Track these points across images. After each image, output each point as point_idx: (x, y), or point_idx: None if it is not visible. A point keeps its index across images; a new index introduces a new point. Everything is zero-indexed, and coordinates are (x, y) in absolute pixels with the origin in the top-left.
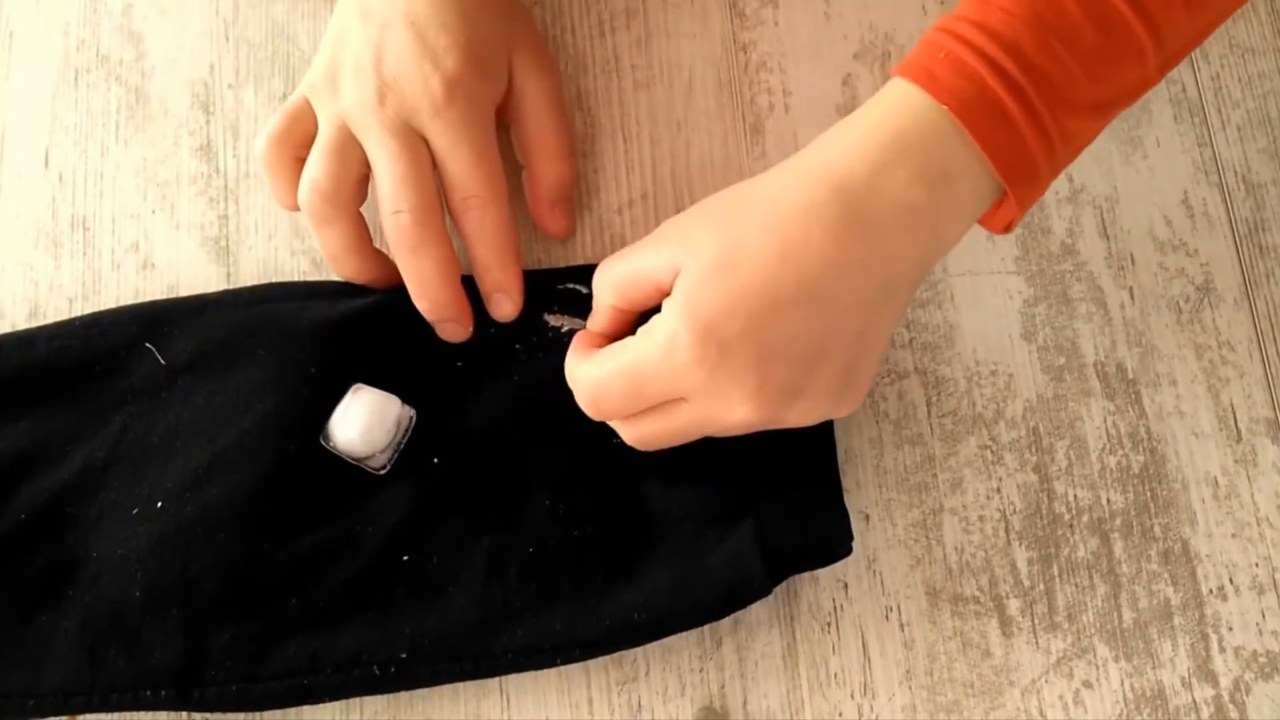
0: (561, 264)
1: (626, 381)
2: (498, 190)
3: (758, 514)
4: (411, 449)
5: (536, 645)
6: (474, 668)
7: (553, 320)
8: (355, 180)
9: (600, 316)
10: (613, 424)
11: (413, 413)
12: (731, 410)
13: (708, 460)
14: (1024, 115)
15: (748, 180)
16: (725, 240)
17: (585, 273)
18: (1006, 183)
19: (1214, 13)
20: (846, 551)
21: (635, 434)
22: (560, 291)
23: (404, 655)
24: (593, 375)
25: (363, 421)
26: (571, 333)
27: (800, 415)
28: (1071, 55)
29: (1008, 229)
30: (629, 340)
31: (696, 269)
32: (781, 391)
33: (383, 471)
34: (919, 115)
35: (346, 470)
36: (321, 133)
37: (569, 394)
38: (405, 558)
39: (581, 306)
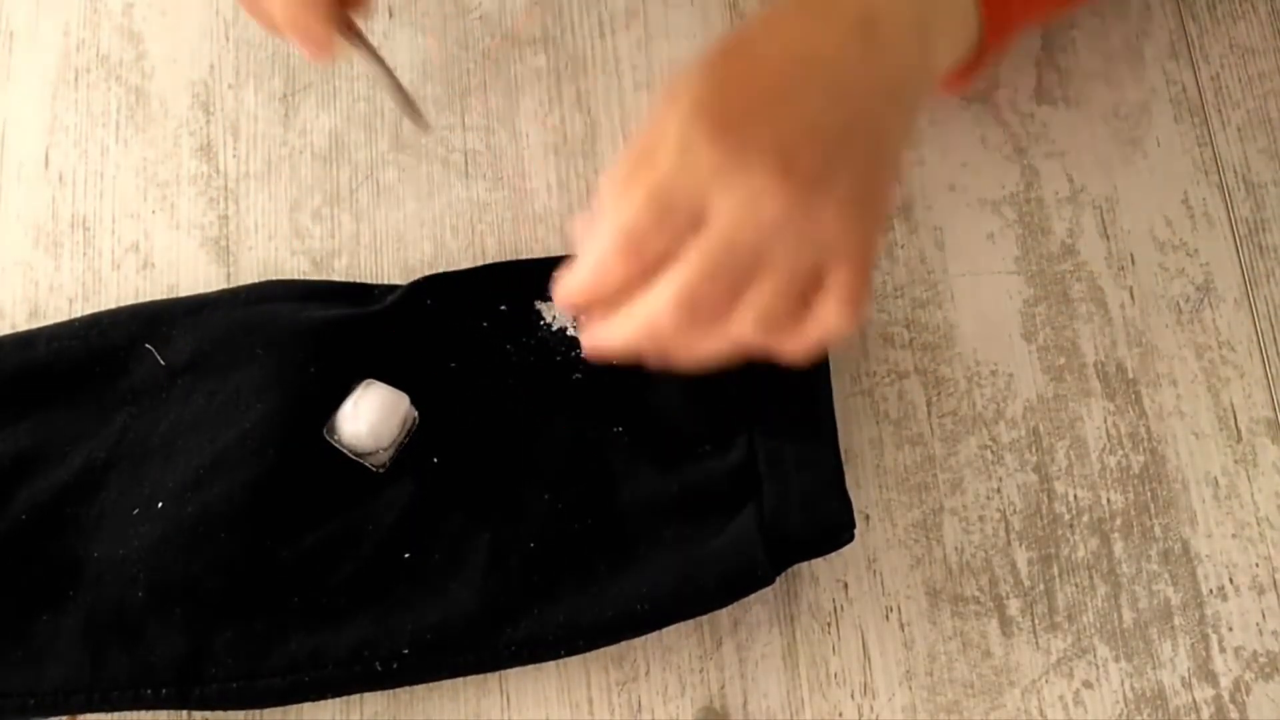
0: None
1: (650, 202)
2: None
3: (759, 500)
4: (410, 449)
5: (539, 636)
6: (477, 661)
7: (545, 311)
8: None
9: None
10: (648, 299)
11: (416, 414)
12: (759, 201)
13: (708, 448)
14: None
15: None
16: (728, 47)
17: None
18: (990, 31)
19: None
20: (849, 538)
21: (682, 284)
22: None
23: (405, 650)
24: (619, 218)
25: (373, 416)
26: (563, 329)
27: (834, 213)
28: None
29: (963, 84)
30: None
31: (694, 75)
32: (809, 176)
33: (382, 470)
34: None
35: (347, 469)
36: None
37: (564, 392)
38: (407, 555)
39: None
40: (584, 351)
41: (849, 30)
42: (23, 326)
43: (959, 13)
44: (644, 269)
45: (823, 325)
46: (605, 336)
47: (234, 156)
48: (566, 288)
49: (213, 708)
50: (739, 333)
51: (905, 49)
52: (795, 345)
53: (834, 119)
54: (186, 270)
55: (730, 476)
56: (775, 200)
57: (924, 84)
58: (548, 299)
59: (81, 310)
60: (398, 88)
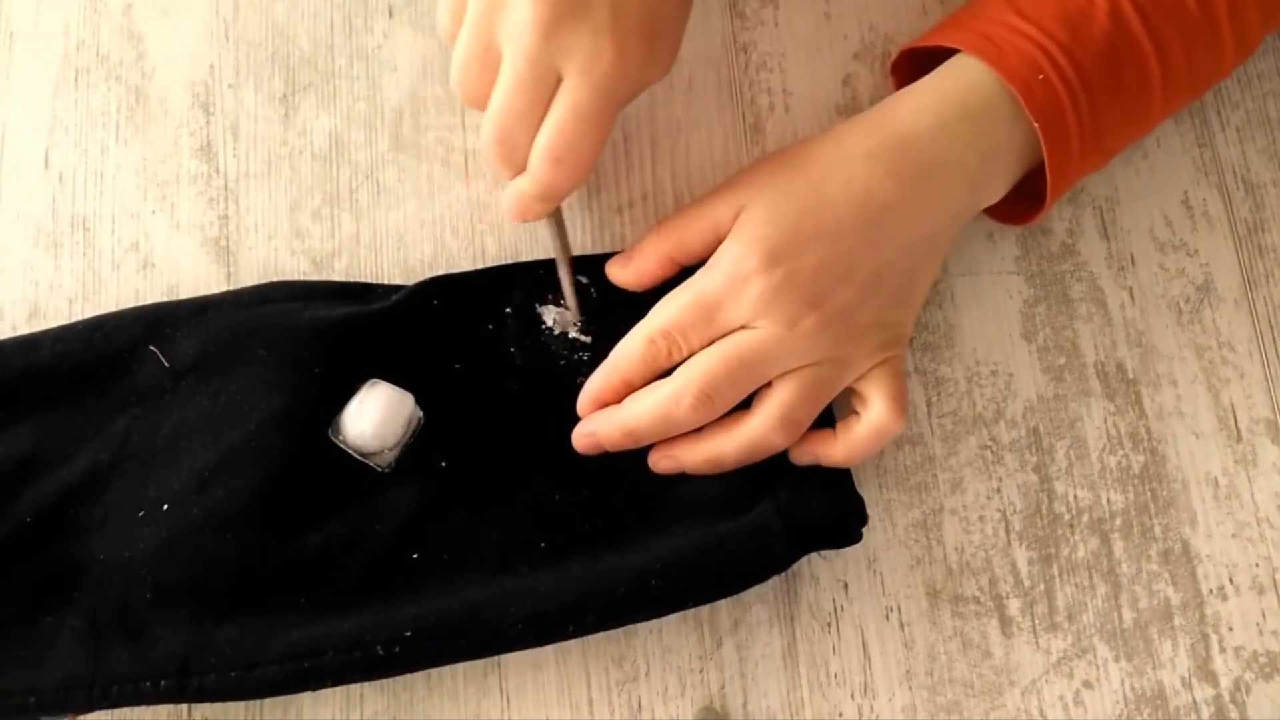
0: None
1: (695, 309)
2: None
3: (775, 495)
4: (416, 449)
5: (547, 614)
6: (481, 644)
7: (544, 315)
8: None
9: (649, 258)
10: (670, 385)
11: (421, 414)
12: (795, 325)
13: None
14: (1079, 146)
15: (810, 136)
16: (792, 179)
17: (584, 263)
18: (1052, 188)
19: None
20: (858, 537)
21: (704, 371)
22: (560, 281)
23: (408, 634)
24: (665, 312)
25: (377, 416)
26: (564, 333)
27: (860, 343)
28: (1120, 107)
29: (1020, 224)
30: (691, 278)
31: (762, 203)
32: (842, 309)
33: (387, 470)
34: (988, 97)
35: (352, 469)
36: (469, 18)
37: (567, 393)
38: (415, 555)
39: (579, 297)
40: (579, 446)
41: (909, 182)
42: (22, 326)
43: (1015, 158)
44: (670, 362)
45: (871, 422)
46: (616, 423)
47: (234, 156)
48: (593, 393)
49: (211, 699)
50: (761, 430)
51: (957, 198)
52: (841, 447)
53: (873, 261)
54: (186, 270)
55: (741, 477)
56: (810, 323)
57: (964, 223)
58: (547, 302)
59: (81, 310)
60: (572, 273)
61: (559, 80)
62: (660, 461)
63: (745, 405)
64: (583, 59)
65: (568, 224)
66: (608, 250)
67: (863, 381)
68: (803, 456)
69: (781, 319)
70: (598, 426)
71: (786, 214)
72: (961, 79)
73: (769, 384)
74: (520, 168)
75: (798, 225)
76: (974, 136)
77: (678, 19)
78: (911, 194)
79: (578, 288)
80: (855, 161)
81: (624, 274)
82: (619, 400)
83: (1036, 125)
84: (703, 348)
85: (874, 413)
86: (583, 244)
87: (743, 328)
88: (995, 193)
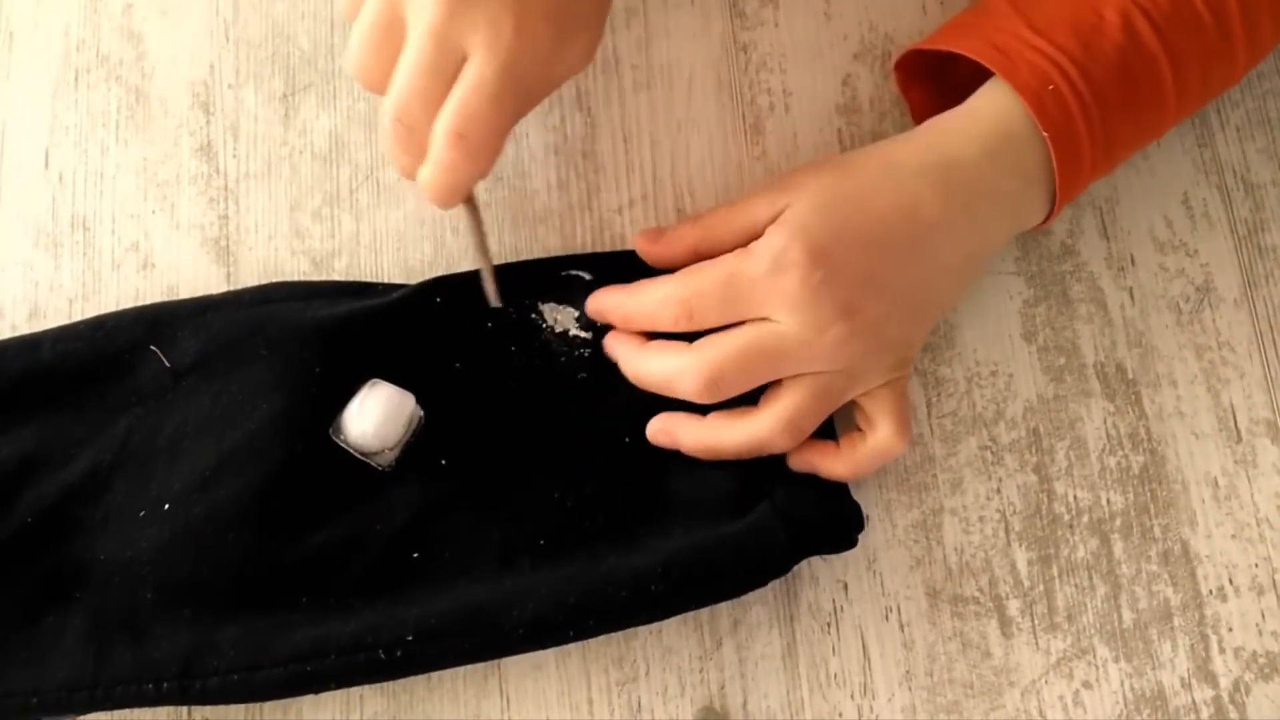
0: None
1: (724, 287)
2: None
3: (773, 497)
4: (416, 449)
5: (549, 618)
6: (483, 645)
7: (546, 313)
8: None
9: (676, 241)
10: (683, 358)
11: (422, 413)
12: (824, 331)
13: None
14: (1090, 158)
15: (854, 150)
16: (839, 184)
17: (587, 260)
18: (1060, 199)
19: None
20: (854, 542)
21: (719, 356)
22: (562, 278)
23: (410, 637)
24: (693, 281)
25: (378, 416)
26: (565, 331)
27: (878, 359)
28: (1133, 119)
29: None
30: (729, 255)
31: (809, 202)
32: (872, 322)
33: (388, 470)
34: (1023, 124)
35: (354, 469)
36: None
37: (570, 392)
38: (416, 555)
39: (582, 294)
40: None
41: (955, 205)
42: (23, 326)
43: (1048, 177)
44: (675, 328)
45: (877, 444)
46: (628, 363)
47: (234, 156)
48: (603, 304)
49: (214, 701)
50: (766, 431)
51: (999, 224)
52: (844, 464)
53: (907, 279)
54: (186, 270)
55: (741, 479)
56: (838, 330)
57: (1000, 249)
58: (548, 300)
59: (81, 310)
60: (488, 259)
61: (464, 61)
62: (658, 435)
63: (749, 399)
64: (488, 35)
65: (556, 226)
66: (608, 251)
67: (869, 400)
68: (801, 465)
69: (812, 321)
70: (616, 351)
71: (833, 214)
72: (1000, 103)
73: (778, 382)
74: (419, 154)
75: (845, 225)
76: (1015, 165)
77: (594, 10)
78: (957, 216)
79: (580, 284)
80: (904, 175)
81: (651, 248)
82: (620, 312)
83: (1046, 136)
84: (716, 326)
85: (881, 436)
86: (583, 244)
87: (764, 319)
88: (1035, 216)
